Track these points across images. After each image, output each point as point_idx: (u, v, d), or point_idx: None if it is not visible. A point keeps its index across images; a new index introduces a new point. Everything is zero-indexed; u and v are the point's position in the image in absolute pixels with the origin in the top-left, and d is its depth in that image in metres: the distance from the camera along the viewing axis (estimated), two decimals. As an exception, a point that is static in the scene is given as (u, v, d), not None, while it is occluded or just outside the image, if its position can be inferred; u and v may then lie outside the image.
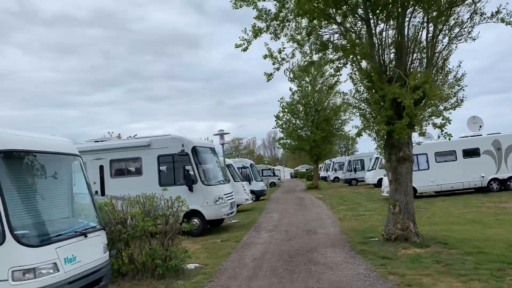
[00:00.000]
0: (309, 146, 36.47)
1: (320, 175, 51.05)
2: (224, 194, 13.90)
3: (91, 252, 6.34)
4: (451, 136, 7.96)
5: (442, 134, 7.91)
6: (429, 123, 8.93)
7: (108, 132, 22.52)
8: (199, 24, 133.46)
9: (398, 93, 7.66)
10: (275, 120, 37.41)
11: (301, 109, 38.10)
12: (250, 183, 27.31)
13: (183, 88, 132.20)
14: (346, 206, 19.73)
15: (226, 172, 17.25)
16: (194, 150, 13.70)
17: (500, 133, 21.44)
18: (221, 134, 17.13)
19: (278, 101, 38.10)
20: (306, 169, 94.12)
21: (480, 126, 22.04)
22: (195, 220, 13.54)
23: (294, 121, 38.12)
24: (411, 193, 9.65)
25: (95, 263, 6.37)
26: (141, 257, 8.41)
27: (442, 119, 7.78)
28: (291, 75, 38.32)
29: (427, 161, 21.29)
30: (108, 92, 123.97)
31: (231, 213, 14.48)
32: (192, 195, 13.36)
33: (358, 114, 9.93)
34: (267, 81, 10.88)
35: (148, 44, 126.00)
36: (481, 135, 21.67)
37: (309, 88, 38.19)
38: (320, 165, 49.43)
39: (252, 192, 26.83)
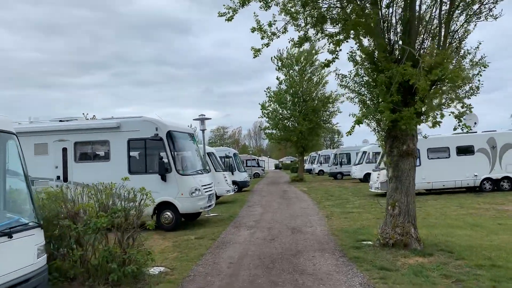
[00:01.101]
0: (295, 137, 35.27)
1: (305, 168, 50.05)
2: (202, 186, 12.52)
3: (17, 257, 4.92)
4: (470, 128, 6.72)
5: (459, 125, 6.64)
6: (438, 114, 7.65)
7: (83, 114, 20.93)
8: (190, 9, 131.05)
9: (409, 74, 6.36)
10: (260, 109, 36.06)
11: (288, 99, 36.79)
12: (233, 174, 26.00)
13: (171, 74, 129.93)
14: (332, 202, 18.57)
15: (206, 161, 15.85)
16: (169, 134, 12.26)
17: (496, 130, 20.50)
18: (202, 119, 15.65)
19: (265, 91, 36.75)
20: (291, 161, 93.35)
21: (475, 123, 21.01)
22: (168, 213, 12.17)
23: (281, 111, 36.81)
24: (413, 193, 8.43)
25: (23, 272, 4.95)
26: (94, 259, 7.02)
27: (462, 107, 6.51)
28: (279, 64, 37.07)
29: (419, 157, 20.20)
30: (94, 75, 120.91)
31: (209, 206, 13.13)
32: (166, 185, 12.01)
33: (357, 100, 8.62)
34: (254, 57, 9.46)
35: (137, 28, 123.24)
36: (476, 132, 20.68)
37: (297, 78, 36.86)
38: (304, 157, 48.39)
39: (234, 183, 25.59)
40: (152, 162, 12.41)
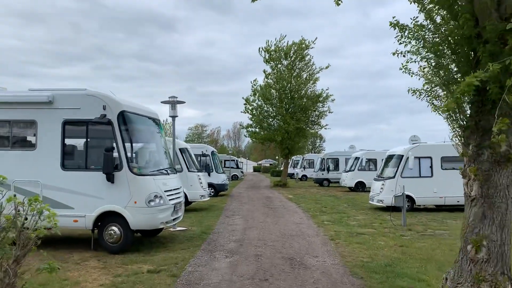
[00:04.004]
0: (280, 137, 31.89)
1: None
2: (166, 191, 8.95)
3: None
4: None
5: None
6: None
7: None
8: (177, 6, 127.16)
9: None
10: (244, 104, 32.59)
11: (274, 95, 33.40)
12: (209, 175, 22.43)
13: (153, 70, 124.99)
14: (329, 216, 15.22)
15: (177, 158, 12.27)
16: (123, 116, 8.67)
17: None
18: (173, 103, 12.00)
19: (251, 82, 33.33)
20: (270, 164, 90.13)
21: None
22: (114, 228, 8.57)
23: (266, 108, 33.39)
24: (509, 225, 5.09)
25: None
26: None
27: None
28: (267, 56, 33.69)
29: (431, 167, 17.17)
30: (74, 66, 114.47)
31: (175, 219, 9.56)
32: (113, 188, 8.44)
33: (423, 65, 5.26)
34: (252, 1, 6.11)
35: (121, 21, 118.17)
36: (497, 140, 17.72)
37: (286, 73, 33.46)
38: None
39: (211, 185, 22.05)
40: (97, 154, 8.76)
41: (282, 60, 33.65)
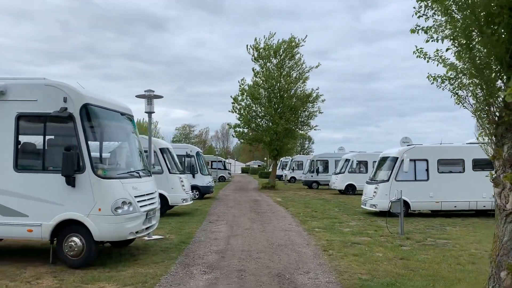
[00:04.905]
0: (269, 138, 30.85)
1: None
2: (136, 196, 7.80)
3: None
4: None
5: None
6: None
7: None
8: (168, 6, 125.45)
9: None
10: (232, 103, 31.49)
11: (263, 94, 32.37)
12: (194, 176, 21.35)
13: (143, 70, 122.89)
14: (320, 222, 14.20)
15: (150, 158, 11.13)
16: (86, 110, 7.51)
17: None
18: (149, 97, 10.83)
19: (239, 81, 32.25)
20: (258, 165, 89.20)
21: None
22: (75, 239, 7.38)
23: (254, 108, 32.33)
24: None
25: None
26: None
27: None
28: (255, 54, 32.67)
29: (427, 170, 16.27)
30: (62, 65, 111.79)
31: (148, 229, 8.41)
32: (74, 193, 7.27)
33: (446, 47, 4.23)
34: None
35: (111, 20, 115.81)
36: (495, 143, 16.89)
37: (275, 71, 32.42)
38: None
39: (195, 187, 21.00)
40: (56, 153, 7.57)
41: (271, 58, 32.68)
